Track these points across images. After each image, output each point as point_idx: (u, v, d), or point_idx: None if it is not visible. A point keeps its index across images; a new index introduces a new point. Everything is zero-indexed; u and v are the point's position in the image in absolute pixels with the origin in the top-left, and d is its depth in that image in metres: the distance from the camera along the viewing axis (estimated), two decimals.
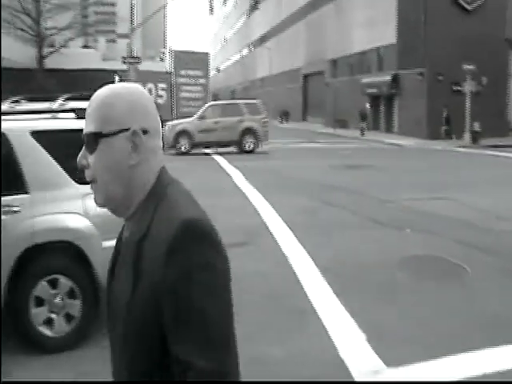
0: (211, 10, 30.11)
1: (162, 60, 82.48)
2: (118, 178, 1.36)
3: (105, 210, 1.44)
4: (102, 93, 1.39)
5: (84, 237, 4.87)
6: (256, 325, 5.26)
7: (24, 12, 36.09)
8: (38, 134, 5.01)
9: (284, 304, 5.90)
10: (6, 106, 5.36)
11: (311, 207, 11.08)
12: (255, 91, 77.69)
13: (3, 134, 4.95)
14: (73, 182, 4.94)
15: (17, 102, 5.45)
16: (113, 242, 5.49)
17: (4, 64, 74.73)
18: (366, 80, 39.92)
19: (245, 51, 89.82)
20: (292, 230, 8.89)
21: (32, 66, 41.22)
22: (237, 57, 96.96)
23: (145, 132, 1.37)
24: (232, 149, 23.15)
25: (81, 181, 4.98)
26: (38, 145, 4.95)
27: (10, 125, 5.07)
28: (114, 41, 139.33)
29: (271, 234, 8.75)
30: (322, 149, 26.05)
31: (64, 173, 4.94)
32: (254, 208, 10.82)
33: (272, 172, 16.84)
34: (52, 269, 4.91)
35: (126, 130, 1.35)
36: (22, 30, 39.41)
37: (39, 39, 35.94)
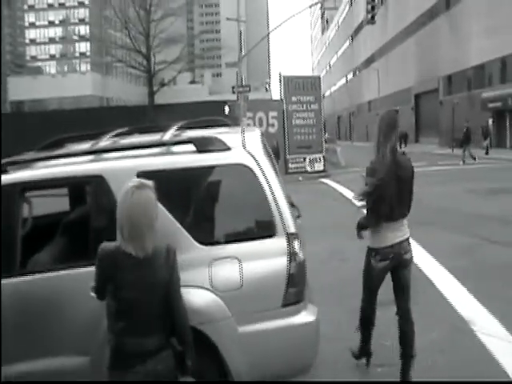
0: (326, 26, 28.70)
1: (267, 90, 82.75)
2: None
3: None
4: None
5: (211, 320, 3.40)
6: None
7: (135, 49, 36.89)
8: (147, 176, 3.62)
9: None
10: (107, 141, 4.05)
11: (468, 245, 9.10)
12: (362, 115, 75.30)
13: (101, 176, 3.66)
14: (195, 242, 3.50)
15: (120, 135, 4.09)
16: (252, 327, 3.44)
17: (117, 103, 78.31)
18: (487, 94, 36.85)
19: (350, 75, 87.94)
20: (457, 278, 7.05)
21: (143, 102, 42.14)
22: (342, 82, 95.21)
23: None
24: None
25: (206, 241, 3.54)
26: None
27: (110, 164, 3.77)
28: (219, 75, 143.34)
29: (432, 283, 6.94)
30: (448, 171, 23.61)
31: (183, 230, 3.51)
32: None
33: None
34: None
35: None
36: (134, 67, 40.38)
37: (149, 76, 36.44)
